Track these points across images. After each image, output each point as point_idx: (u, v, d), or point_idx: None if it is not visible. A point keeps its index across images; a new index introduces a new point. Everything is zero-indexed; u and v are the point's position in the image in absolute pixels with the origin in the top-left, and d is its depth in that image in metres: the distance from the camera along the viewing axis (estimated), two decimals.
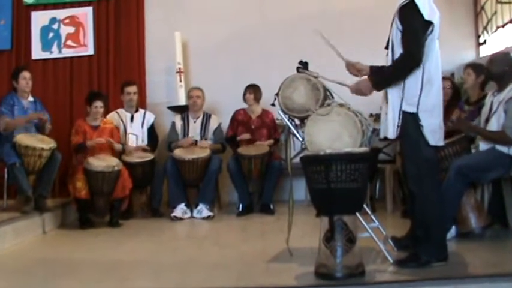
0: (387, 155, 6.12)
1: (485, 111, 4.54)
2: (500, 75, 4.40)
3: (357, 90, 3.65)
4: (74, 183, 5.45)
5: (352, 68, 3.79)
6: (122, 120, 6.33)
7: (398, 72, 3.43)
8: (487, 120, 4.45)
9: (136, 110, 6.47)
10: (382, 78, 3.52)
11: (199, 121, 6.43)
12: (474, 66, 5.12)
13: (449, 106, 5.22)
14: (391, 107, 3.48)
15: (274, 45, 7.12)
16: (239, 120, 6.40)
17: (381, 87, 3.52)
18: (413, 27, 3.34)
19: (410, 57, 3.36)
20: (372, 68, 3.73)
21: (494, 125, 4.34)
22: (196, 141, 6.28)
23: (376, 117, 5.86)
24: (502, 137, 4.26)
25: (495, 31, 6.78)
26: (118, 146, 5.96)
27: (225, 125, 6.57)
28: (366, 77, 3.63)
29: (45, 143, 5.36)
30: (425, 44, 3.36)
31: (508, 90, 4.32)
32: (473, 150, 4.64)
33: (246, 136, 6.21)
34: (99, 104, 5.97)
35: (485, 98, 4.81)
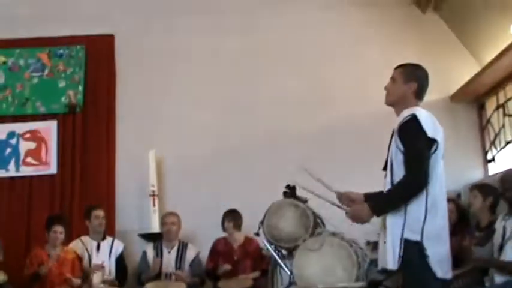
0: None
1: (497, 237, 4.60)
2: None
3: (354, 216, 3.62)
4: None
5: (345, 198, 3.84)
6: (86, 249, 6.31)
7: (401, 196, 3.43)
8: (501, 248, 4.49)
9: (103, 238, 6.48)
10: (383, 202, 3.54)
11: (174, 251, 6.44)
12: (481, 188, 5.24)
13: (455, 232, 5.26)
14: (390, 234, 3.45)
15: (259, 164, 7.25)
16: (220, 251, 6.41)
17: (381, 213, 3.50)
18: (417, 147, 3.41)
19: (414, 182, 3.40)
20: (366, 195, 3.82)
21: (509, 254, 4.37)
22: (170, 274, 6.22)
23: (374, 246, 5.90)
24: None
25: (504, 146, 6.97)
26: (76, 282, 5.87)
27: (204, 254, 6.56)
28: (362, 203, 3.68)
29: None
30: (429, 165, 3.42)
31: None
32: (486, 284, 4.64)
33: (226, 267, 6.17)
34: (58, 228, 5.99)
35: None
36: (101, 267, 6.10)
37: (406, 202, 3.39)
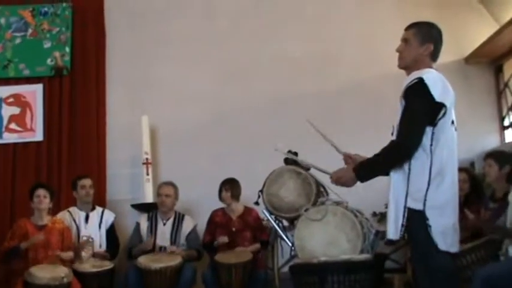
0: (395, 262, 6.13)
1: (511, 211, 4.59)
2: None
3: (338, 179, 3.66)
4: None
5: (351, 161, 3.86)
6: (74, 220, 6.32)
7: (384, 162, 3.50)
8: None
9: (93, 208, 6.50)
10: (367, 167, 3.57)
11: (169, 223, 6.45)
12: (496, 156, 5.20)
13: (467, 203, 5.27)
14: (393, 202, 3.48)
15: (260, 131, 7.25)
16: (217, 222, 6.42)
17: (364, 178, 3.55)
18: (414, 110, 3.41)
19: (400, 146, 3.43)
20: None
21: None
22: (164, 247, 6.25)
23: (381, 217, 5.92)
24: None
25: None
26: (67, 255, 5.88)
27: (202, 227, 6.55)
28: (350, 166, 3.71)
29: None
30: (432, 131, 3.40)
31: None
32: (501, 258, 4.65)
33: (223, 240, 6.20)
34: (42, 192, 5.93)
35: None
36: (87, 242, 6.10)
37: (391, 168, 3.45)
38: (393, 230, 3.44)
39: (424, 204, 3.37)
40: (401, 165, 3.43)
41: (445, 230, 3.41)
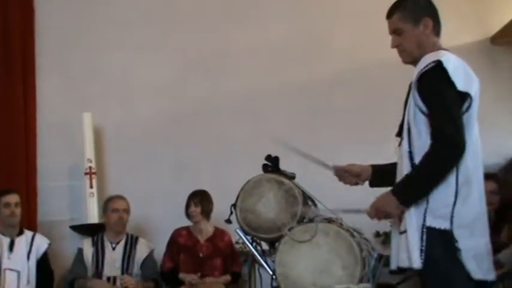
0: None
1: None
2: None
3: (379, 213, 3.57)
4: None
5: (346, 174, 3.89)
6: None
7: (434, 173, 3.36)
8: None
9: (20, 233, 6.49)
10: (409, 187, 3.47)
11: (120, 248, 6.51)
12: None
13: (498, 221, 5.31)
14: (409, 222, 3.42)
15: (232, 133, 7.35)
16: (181, 245, 6.46)
17: (410, 201, 3.41)
18: (443, 97, 3.36)
19: (448, 149, 3.32)
20: (375, 167, 3.86)
21: None
22: (114, 277, 6.25)
23: (386, 237, 5.96)
24: None
25: None
26: None
27: (160, 252, 6.62)
28: (387, 191, 3.55)
29: None
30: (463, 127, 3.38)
31: None
32: None
33: (194, 279, 6.20)
34: None
35: None
36: None
37: (444, 175, 3.33)
38: (410, 256, 3.38)
39: (451, 222, 3.34)
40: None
41: (479, 253, 3.39)
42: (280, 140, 4.32)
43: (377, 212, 3.55)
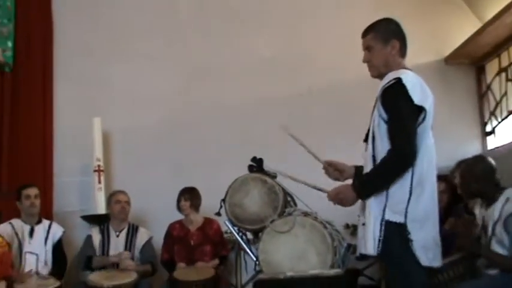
0: (369, 278, 6.18)
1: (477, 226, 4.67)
2: (480, 190, 4.60)
3: (337, 199, 3.64)
4: None
5: (333, 169, 3.89)
6: (16, 234, 6.25)
7: (387, 175, 3.46)
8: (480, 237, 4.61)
9: (39, 221, 6.42)
10: (367, 183, 3.57)
11: (123, 235, 6.46)
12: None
13: (447, 215, 5.33)
14: (370, 215, 3.48)
15: (225, 137, 7.34)
16: (175, 236, 6.44)
17: (366, 195, 3.51)
18: (401, 115, 3.42)
19: (400, 155, 3.41)
20: (357, 168, 3.84)
21: (497, 248, 4.43)
22: (117, 264, 6.23)
23: (354, 229, 5.95)
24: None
25: (506, 117, 7.10)
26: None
27: (158, 240, 6.57)
28: (348, 183, 3.68)
29: None
30: (417, 137, 3.44)
31: (500, 207, 4.45)
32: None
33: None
34: None
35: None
36: (28, 276, 5.99)
37: (393, 181, 3.42)
38: (371, 244, 3.43)
39: (406, 217, 3.40)
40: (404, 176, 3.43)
41: (427, 244, 3.47)
42: (286, 128, 4.27)
43: (335, 197, 3.62)
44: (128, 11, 7.60)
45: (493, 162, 4.63)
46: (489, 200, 4.53)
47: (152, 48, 7.55)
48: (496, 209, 4.43)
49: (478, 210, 4.70)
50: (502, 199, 4.43)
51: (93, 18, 7.59)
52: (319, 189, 3.88)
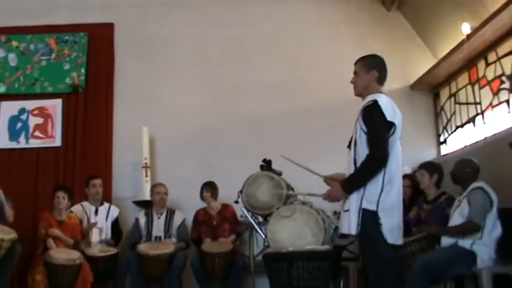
0: (351, 252, 6.18)
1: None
2: (462, 176, 4.70)
3: (330, 197, 3.70)
4: (34, 276, 5.40)
5: (333, 181, 3.86)
6: (86, 213, 6.34)
7: (365, 174, 3.52)
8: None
9: (101, 204, 6.52)
10: (351, 181, 3.60)
11: (163, 217, 6.49)
12: (427, 167, 5.31)
13: (411, 204, 5.36)
14: (351, 204, 3.55)
15: (240, 143, 7.29)
16: (200, 220, 6.44)
17: (350, 190, 3.56)
18: (377, 128, 3.49)
19: (375, 160, 3.48)
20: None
21: (457, 220, 4.53)
22: (159, 237, 6.33)
23: (340, 215, 5.98)
24: (469, 226, 4.42)
25: (454, 130, 7.11)
26: (68, 241, 5.88)
27: (188, 221, 6.57)
28: (337, 183, 3.69)
29: (5, 234, 5.15)
30: (388, 145, 3.51)
31: (470, 188, 4.60)
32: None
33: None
34: (61, 194, 6.01)
35: (442, 196, 5.07)
36: (94, 224, 6.20)
37: (371, 179, 3.48)
38: (353, 227, 3.51)
39: (377, 206, 3.47)
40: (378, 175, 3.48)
41: (392, 227, 3.52)
42: (286, 156, 4.34)
43: (330, 196, 3.69)
44: (170, 48, 7.61)
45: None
46: (465, 185, 4.71)
47: (188, 74, 7.56)
48: (467, 191, 4.60)
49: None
50: (472, 185, 4.61)
51: (144, 53, 7.61)
52: (315, 195, 3.91)
